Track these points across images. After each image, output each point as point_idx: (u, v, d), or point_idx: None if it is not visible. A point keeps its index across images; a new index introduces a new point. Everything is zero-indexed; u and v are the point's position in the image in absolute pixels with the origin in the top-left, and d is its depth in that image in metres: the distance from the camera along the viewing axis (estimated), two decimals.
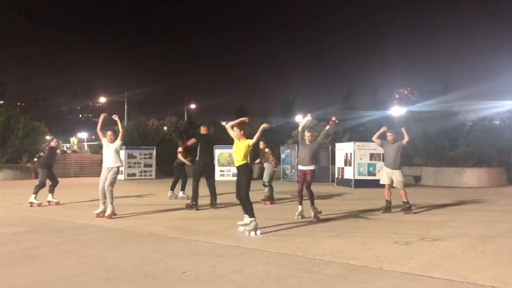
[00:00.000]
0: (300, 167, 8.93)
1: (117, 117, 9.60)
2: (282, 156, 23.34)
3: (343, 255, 5.56)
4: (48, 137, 11.82)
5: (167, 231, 7.42)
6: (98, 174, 33.79)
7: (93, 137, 61.59)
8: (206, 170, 10.48)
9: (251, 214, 7.08)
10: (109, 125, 10.07)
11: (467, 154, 19.22)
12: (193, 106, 51.49)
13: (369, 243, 6.34)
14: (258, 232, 6.97)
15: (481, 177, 18.61)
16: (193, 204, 10.16)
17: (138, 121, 29.74)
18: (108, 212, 8.83)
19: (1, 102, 33.99)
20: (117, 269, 4.96)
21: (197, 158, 10.40)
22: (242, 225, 7.27)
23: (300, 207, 8.83)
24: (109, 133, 9.14)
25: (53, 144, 11.70)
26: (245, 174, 7.25)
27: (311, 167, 8.73)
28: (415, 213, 9.52)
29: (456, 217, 9.11)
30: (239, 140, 7.37)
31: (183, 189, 12.84)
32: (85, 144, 47.04)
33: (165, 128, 31.39)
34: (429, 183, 19.32)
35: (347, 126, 26.70)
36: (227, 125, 7.61)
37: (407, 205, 9.57)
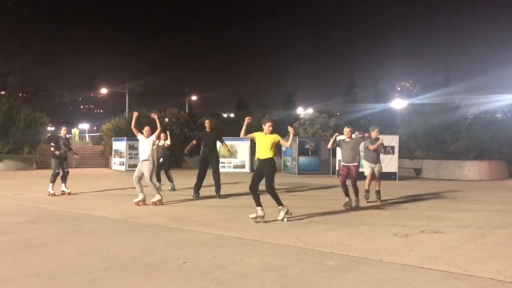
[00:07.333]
0: (344, 163, 9.16)
1: (155, 115, 10.23)
2: (283, 148, 23.31)
3: (343, 246, 5.57)
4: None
5: (168, 221, 7.44)
6: (100, 165, 33.42)
7: (95, 128, 61.57)
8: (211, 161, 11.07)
9: (279, 202, 7.40)
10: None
11: (468, 147, 19.18)
12: (194, 97, 51.45)
13: (369, 235, 6.35)
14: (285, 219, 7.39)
15: (482, 170, 18.60)
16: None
17: (139, 112, 29.70)
18: (155, 199, 9.46)
19: (3, 92, 33.95)
20: (117, 259, 4.98)
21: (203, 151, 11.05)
22: (254, 217, 7.30)
23: (347, 198, 9.07)
24: (147, 128, 9.73)
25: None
26: (271, 168, 7.43)
27: (355, 163, 9.05)
28: (419, 206, 9.55)
29: (456, 210, 9.12)
30: (266, 134, 7.45)
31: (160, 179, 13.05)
32: (87, 135, 46.97)
33: (166, 119, 31.26)
34: (430, 176, 19.33)
35: (349, 119, 26.68)
36: (241, 135, 7.64)
37: (367, 193, 10.20)
